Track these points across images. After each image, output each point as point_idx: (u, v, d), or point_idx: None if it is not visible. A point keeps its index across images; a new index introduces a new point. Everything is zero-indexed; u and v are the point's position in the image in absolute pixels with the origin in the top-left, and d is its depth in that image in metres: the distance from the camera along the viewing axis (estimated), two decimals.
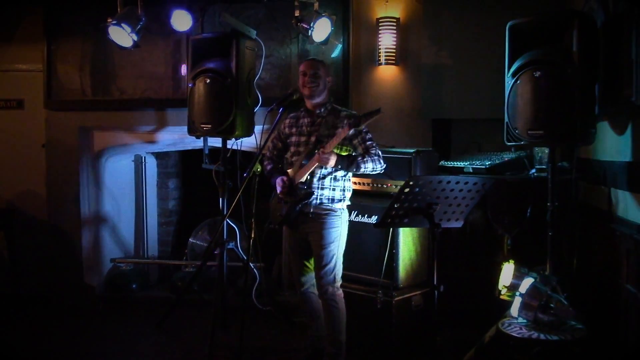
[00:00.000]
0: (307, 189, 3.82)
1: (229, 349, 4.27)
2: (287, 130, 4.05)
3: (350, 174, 3.91)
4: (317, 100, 3.92)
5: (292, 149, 3.99)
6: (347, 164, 3.76)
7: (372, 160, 3.78)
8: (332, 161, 3.72)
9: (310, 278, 3.99)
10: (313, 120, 3.94)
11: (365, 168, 3.78)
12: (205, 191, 5.50)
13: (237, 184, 4.59)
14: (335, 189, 3.86)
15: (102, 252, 5.84)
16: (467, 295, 4.38)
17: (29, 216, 5.81)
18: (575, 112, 3.31)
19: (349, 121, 3.70)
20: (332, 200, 3.86)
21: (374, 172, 3.84)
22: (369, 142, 3.84)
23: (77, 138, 5.60)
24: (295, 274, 4.05)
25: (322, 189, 3.84)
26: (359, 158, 3.77)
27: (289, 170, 3.96)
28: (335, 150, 3.73)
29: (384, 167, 3.84)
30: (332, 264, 3.82)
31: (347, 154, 3.82)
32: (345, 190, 3.91)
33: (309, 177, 3.84)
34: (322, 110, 3.93)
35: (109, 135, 5.66)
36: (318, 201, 3.84)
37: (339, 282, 3.87)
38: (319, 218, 3.84)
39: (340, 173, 3.86)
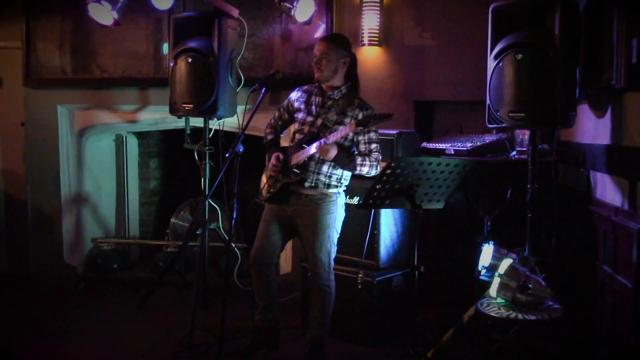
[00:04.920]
0: (301, 173, 3.70)
1: (210, 329, 4.28)
2: (296, 104, 3.88)
3: None
4: (328, 83, 3.76)
5: (297, 125, 3.85)
6: (344, 163, 3.64)
7: (370, 165, 3.66)
8: (332, 154, 3.58)
9: (275, 258, 3.89)
10: (324, 101, 3.78)
11: (360, 171, 3.67)
12: (187, 171, 5.48)
13: (219, 164, 4.57)
14: (331, 177, 3.73)
15: (83, 232, 5.79)
16: (447, 276, 4.43)
17: (8, 195, 5.75)
18: (557, 95, 3.33)
19: (358, 118, 3.61)
20: (328, 186, 3.73)
21: (367, 175, 3.72)
22: (374, 145, 3.72)
23: (57, 117, 5.52)
24: (259, 248, 3.84)
25: (318, 174, 3.71)
26: (358, 160, 3.64)
27: (288, 146, 3.85)
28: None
29: (378, 172, 3.63)
30: (326, 251, 3.72)
31: (347, 151, 3.68)
32: (342, 178, 3.79)
33: (306, 159, 3.71)
34: (336, 92, 3.76)
35: (90, 114, 5.59)
36: (313, 184, 3.71)
37: (332, 267, 3.78)
38: (313, 202, 3.72)
39: None
